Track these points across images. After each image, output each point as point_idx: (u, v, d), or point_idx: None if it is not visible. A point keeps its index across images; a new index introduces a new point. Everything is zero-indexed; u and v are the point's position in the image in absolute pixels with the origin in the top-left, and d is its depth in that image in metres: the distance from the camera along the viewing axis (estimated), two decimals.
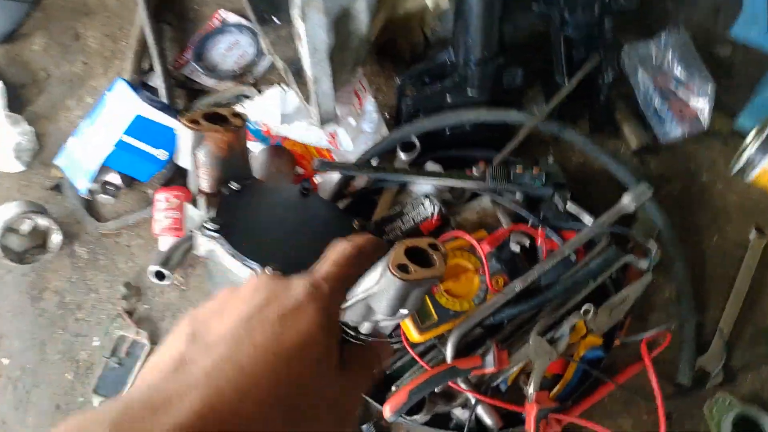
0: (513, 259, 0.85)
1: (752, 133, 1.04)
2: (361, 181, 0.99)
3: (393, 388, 0.84)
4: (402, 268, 0.56)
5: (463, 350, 0.83)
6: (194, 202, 0.70)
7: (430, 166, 0.98)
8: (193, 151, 0.65)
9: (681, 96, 1.06)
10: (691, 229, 1.01)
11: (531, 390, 0.77)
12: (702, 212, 1.02)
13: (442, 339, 0.84)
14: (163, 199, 1.09)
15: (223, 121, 0.65)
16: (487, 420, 0.80)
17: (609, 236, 0.88)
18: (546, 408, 0.76)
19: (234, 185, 0.66)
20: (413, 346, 0.83)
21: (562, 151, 1.10)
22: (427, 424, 0.81)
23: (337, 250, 0.41)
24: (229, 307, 0.34)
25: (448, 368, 0.77)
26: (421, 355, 0.85)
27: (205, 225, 0.62)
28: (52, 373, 1.04)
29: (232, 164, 0.66)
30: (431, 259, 0.61)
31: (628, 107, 1.11)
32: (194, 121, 0.64)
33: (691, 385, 0.85)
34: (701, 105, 1.04)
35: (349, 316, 0.65)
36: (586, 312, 0.80)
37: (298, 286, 0.35)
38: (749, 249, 0.97)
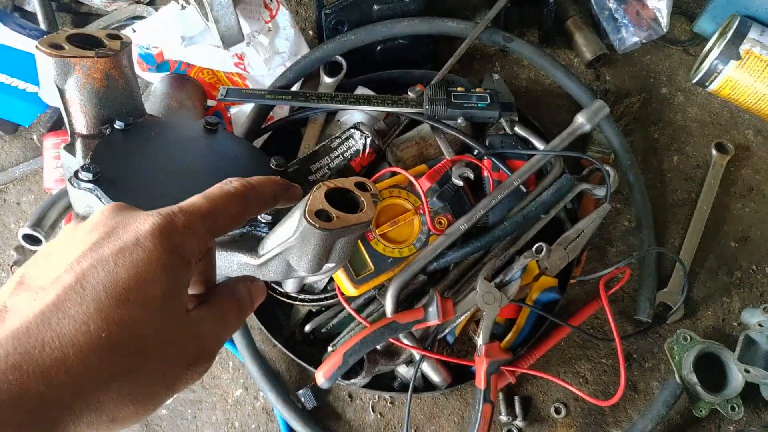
0: (456, 195, 0.75)
1: (713, 37, 0.94)
2: (281, 111, 0.85)
3: (329, 349, 0.75)
4: (321, 215, 0.46)
5: (404, 302, 0.73)
6: (70, 148, 0.57)
7: (361, 90, 0.85)
8: (58, 85, 0.53)
9: None
10: (649, 150, 0.92)
11: (480, 342, 0.69)
12: (661, 130, 0.94)
13: (382, 290, 0.74)
14: (51, 145, 0.92)
15: (98, 45, 0.54)
16: (434, 377, 0.72)
17: (562, 163, 0.79)
18: (497, 360, 0.69)
19: (118, 124, 0.56)
20: (349, 300, 0.73)
21: (508, 68, 0.98)
22: (368, 386, 0.72)
23: (218, 185, 0.37)
24: (65, 247, 0.31)
25: (387, 324, 0.68)
26: (360, 309, 0.75)
27: (77, 175, 0.51)
28: None
29: (113, 98, 0.56)
30: (358, 201, 0.49)
31: (581, 14, 0.99)
32: (56, 46, 0.52)
33: (652, 322, 0.79)
34: (659, 4, 0.93)
35: (267, 275, 0.54)
36: (539, 251, 0.71)
37: (144, 218, 0.31)
38: (710, 168, 0.89)
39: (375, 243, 0.72)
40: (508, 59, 0.99)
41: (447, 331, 0.74)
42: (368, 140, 0.77)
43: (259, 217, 0.53)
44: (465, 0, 1.01)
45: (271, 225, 0.54)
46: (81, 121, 0.56)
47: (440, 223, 0.74)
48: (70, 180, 0.52)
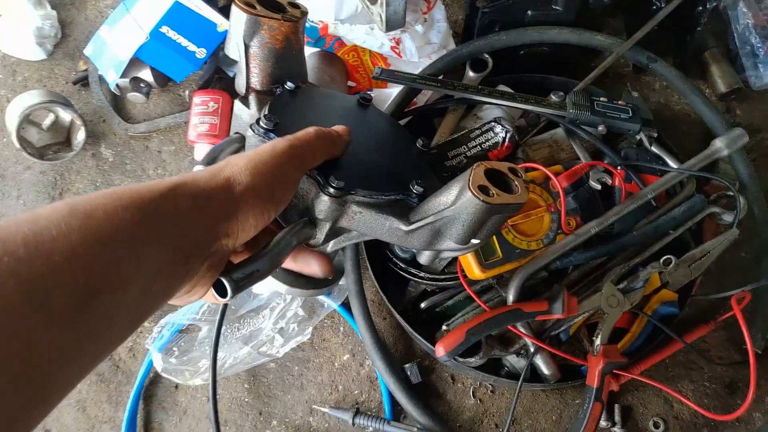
0: (590, 199, 0.77)
1: None
2: (424, 98, 0.89)
3: (443, 328, 0.78)
4: (483, 189, 0.48)
5: (523, 294, 0.76)
6: (244, 100, 0.63)
7: (503, 89, 0.88)
8: (245, 40, 0.57)
9: None
10: None
11: (598, 342, 0.71)
12: None
13: (500, 280, 0.77)
14: (200, 102, 1.00)
15: (281, 10, 0.57)
16: (546, 370, 0.74)
17: (695, 183, 0.80)
18: (613, 362, 0.70)
19: (289, 84, 0.59)
20: (470, 283, 0.76)
21: (638, 90, 1.00)
22: (479, 368, 0.75)
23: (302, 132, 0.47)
24: None
25: (512, 310, 0.71)
26: (476, 294, 0.78)
27: (258, 123, 0.55)
28: None
29: (287, 60, 0.59)
30: (512, 185, 0.52)
31: (719, 47, 0.99)
32: (249, 4, 0.55)
33: (761, 353, 0.79)
34: None
35: (412, 242, 0.57)
36: (667, 263, 0.73)
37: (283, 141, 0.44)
38: None
39: (506, 233, 0.75)
40: (639, 81, 1.01)
41: (562, 328, 0.76)
42: (509, 134, 0.80)
43: (411, 187, 0.56)
44: (605, 19, 1.03)
45: (422, 196, 0.56)
46: (257, 77, 0.60)
47: (569, 223, 0.76)
48: (251, 126, 0.56)
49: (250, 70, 0.60)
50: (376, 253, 0.83)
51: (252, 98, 0.61)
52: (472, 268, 0.74)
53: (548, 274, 0.77)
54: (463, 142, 0.82)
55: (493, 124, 0.82)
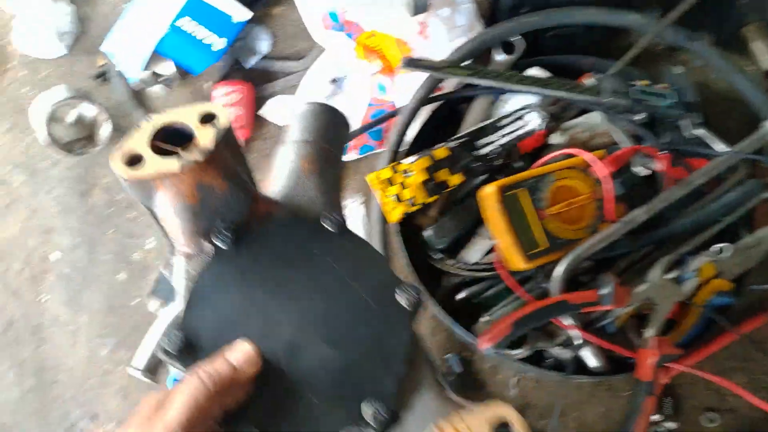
0: (635, 185, 0.74)
1: None
2: (452, 82, 0.86)
3: (483, 319, 0.76)
4: (133, 160, 0.38)
5: (567, 284, 0.73)
6: (168, 266, 0.51)
7: (535, 72, 0.85)
8: (143, 204, 0.43)
9: None
10: None
11: (650, 334, 0.68)
12: None
13: (540, 270, 0.74)
14: (221, 94, 0.98)
15: (184, 140, 0.40)
16: (592, 362, 0.72)
17: (748, 167, 0.76)
18: (666, 355, 0.67)
19: (224, 237, 0.42)
20: (512, 274, 0.73)
21: None
22: (524, 360, 0.73)
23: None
24: None
25: (558, 301, 0.68)
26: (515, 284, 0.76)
27: (163, 345, 0.39)
28: (104, 273, 0.98)
29: (211, 207, 0.43)
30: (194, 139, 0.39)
31: (762, 21, 0.95)
32: (134, 159, 0.39)
33: None
34: None
35: None
36: (720, 251, 0.69)
37: None
38: None
39: (548, 222, 0.72)
40: (674, 60, 0.97)
41: (609, 320, 0.73)
42: (545, 121, 0.77)
43: (365, 413, 0.38)
44: None
45: (385, 424, 0.38)
46: (179, 239, 0.44)
47: (615, 211, 0.73)
48: (159, 345, 0.41)
49: (167, 233, 0.45)
50: (412, 244, 0.81)
51: (178, 264, 0.44)
52: (516, 259, 0.71)
53: (593, 264, 0.74)
54: (493, 130, 0.79)
55: (525, 110, 0.79)
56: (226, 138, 0.41)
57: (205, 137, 0.40)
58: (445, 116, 0.87)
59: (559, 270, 0.71)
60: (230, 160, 0.43)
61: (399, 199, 0.77)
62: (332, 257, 0.45)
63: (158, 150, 0.40)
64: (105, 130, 1.00)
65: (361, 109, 0.91)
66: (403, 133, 0.82)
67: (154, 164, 0.39)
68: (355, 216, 0.87)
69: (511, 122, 0.78)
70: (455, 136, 0.79)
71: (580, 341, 0.71)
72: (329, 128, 0.53)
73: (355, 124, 0.91)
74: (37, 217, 1.04)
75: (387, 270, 0.45)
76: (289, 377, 0.39)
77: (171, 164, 0.39)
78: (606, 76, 0.79)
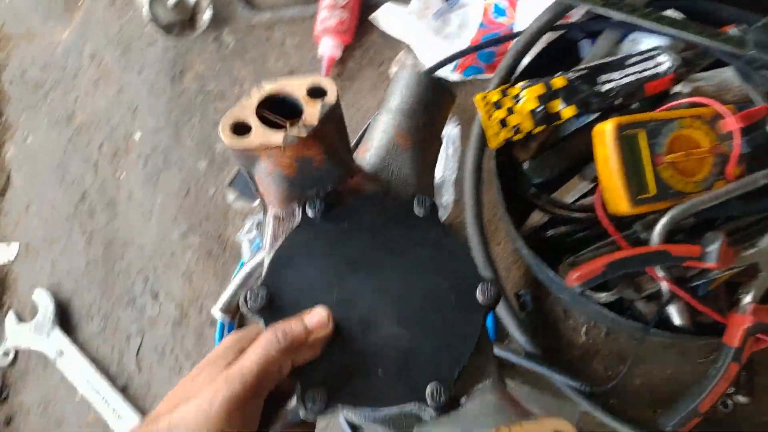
0: (762, 147, 0.70)
1: None
2: (576, 13, 0.82)
3: (569, 260, 0.74)
4: (240, 129, 0.37)
5: (666, 238, 0.70)
6: (261, 225, 0.52)
7: (672, 14, 0.80)
8: (245, 168, 0.44)
9: None
10: None
11: (748, 299, 0.66)
12: None
13: (640, 218, 0.72)
14: None
15: (294, 113, 0.40)
16: (678, 320, 0.70)
17: None
18: (761, 324, 0.65)
19: (315, 205, 0.44)
20: (611, 218, 0.71)
21: None
22: (607, 305, 0.71)
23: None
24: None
25: (658, 251, 0.66)
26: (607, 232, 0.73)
27: (248, 296, 0.42)
28: (185, 158, 0.98)
29: (307, 176, 0.44)
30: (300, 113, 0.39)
31: None
32: (241, 127, 0.40)
33: None
34: None
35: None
36: None
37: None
38: None
39: (663, 169, 0.69)
40: None
41: (703, 280, 0.70)
42: (675, 64, 0.73)
43: (428, 394, 0.40)
44: None
45: (443, 408, 0.40)
46: (273, 202, 0.46)
47: (734, 170, 0.70)
48: (244, 298, 0.43)
49: (262, 194, 0.46)
50: (505, 175, 0.78)
51: (269, 224, 0.47)
52: (620, 201, 0.68)
53: (694, 223, 0.71)
54: (617, 68, 0.75)
55: (657, 51, 0.74)
56: (332, 113, 0.41)
57: (312, 113, 0.40)
58: (561, 50, 0.83)
59: (665, 220, 0.68)
60: (333, 136, 0.43)
61: (504, 125, 0.75)
62: (418, 241, 0.45)
63: (264, 120, 0.40)
64: (206, 16, 0.99)
65: (472, 30, 0.88)
66: (519, 60, 0.78)
67: (260, 136, 0.39)
68: (449, 138, 0.85)
69: (640, 62, 0.74)
70: (575, 68, 0.75)
71: (669, 296, 0.68)
72: (433, 104, 0.52)
73: (463, 44, 0.88)
74: (126, 95, 1.05)
75: (471, 263, 0.45)
76: (359, 348, 0.41)
77: (276, 138, 0.39)
78: (754, 27, 0.74)
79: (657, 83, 0.74)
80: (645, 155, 0.68)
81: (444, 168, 0.84)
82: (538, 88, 0.74)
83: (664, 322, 0.71)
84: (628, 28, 0.79)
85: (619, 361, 0.76)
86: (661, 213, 0.69)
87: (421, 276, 0.44)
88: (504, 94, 0.75)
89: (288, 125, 0.39)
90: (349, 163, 0.47)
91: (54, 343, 0.96)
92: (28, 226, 1.05)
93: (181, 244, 0.95)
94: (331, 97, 0.41)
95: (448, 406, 0.39)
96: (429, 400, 0.39)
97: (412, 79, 0.52)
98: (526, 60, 0.81)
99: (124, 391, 0.91)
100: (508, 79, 0.78)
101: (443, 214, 0.82)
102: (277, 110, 0.40)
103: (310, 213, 0.45)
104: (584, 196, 0.77)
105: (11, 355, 0.99)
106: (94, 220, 1.00)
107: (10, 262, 1.04)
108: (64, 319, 0.98)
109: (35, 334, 0.96)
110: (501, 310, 0.76)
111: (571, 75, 0.74)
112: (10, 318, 0.98)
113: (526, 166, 0.77)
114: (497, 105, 0.75)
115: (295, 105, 0.40)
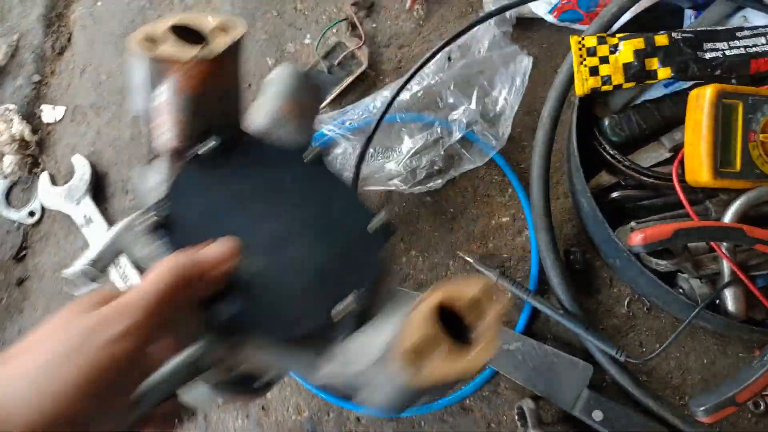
0: None
1: None
2: None
3: (632, 224, 0.71)
4: (414, 356, 0.34)
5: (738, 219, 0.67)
6: (149, 164, 0.49)
7: None
8: (151, 87, 0.44)
9: None
10: None
11: None
12: None
13: (713, 195, 0.69)
14: None
15: (200, 39, 0.43)
16: (732, 306, 0.67)
17: None
18: None
19: (212, 141, 0.45)
20: (686, 188, 0.68)
21: None
22: (658, 275, 0.68)
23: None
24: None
25: (734, 228, 0.63)
26: (678, 204, 0.70)
27: (145, 215, 0.41)
28: (254, 52, 0.96)
29: (209, 107, 0.45)
30: (471, 334, 0.36)
31: None
32: (150, 39, 0.42)
33: None
34: None
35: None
36: None
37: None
38: None
39: (753, 147, 0.65)
40: None
41: (764, 272, 0.67)
42: None
43: (334, 314, 0.41)
44: None
45: (350, 325, 0.42)
46: (169, 133, 0.45)
47: None
48: (132, 221, 0.43)
49: (159, 124, 0.46)
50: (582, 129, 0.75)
51: (161, 162, 0.46)
52: (701, 170, 0.65)
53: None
54: (725, 38, 0.71)
55: None
56: (236, 50, 0.45)
57: (220, 42, 0.43)
58: (664, 14, 0.79)
59: (742, 199, 0.65)
60: (235, 73, 0.47)
61: (594, 74, 0.71)
62: (309, 179, 0.49)
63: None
64: None
65: None
66: (623, 11, 0.75)
67: (174, 47, 0.42)
68: (518, 70, 0.81)
69: (751, 36, 0.70)
70: (680, 29, 0.71)
71: (729, 280, 0.66)
72: (309, 87, 0.59)
73: None
74: None
75: (360, 201, 0.49)
76: (272, 269, 0.42)
77: (188, 52, 0.42)
78: None
79: (765, 61, 0.70)
80: (738, 129, 0.65)
81: (505, 99, 0.81)
82: (638, 42, 0.71)
83: (715, 308, 0.69)
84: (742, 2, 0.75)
85: (656, 340, 0.73)
86: (737, 194, 0.66)
87: (320, 207, 0.47)
88: (601, 41, 0.72)
89: (199, 48, 0.42)
90: (241, 112, 0.50)
91: (83, 210, 0.95)
92: (80, 90, 1.03)
93: None
94: (238, 31, 0.44)
95: (364, 317, 0.41)
96: (351, 307, 0.41)
97: (286, 71, 0.59)
98: (627, 16, 0.77)
99: (141, 270, 0.89)
100: (607, 28, 0.75)
101: (496, 146, 0.79)
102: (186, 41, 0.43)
103: (211, 144, 0.45)
104: (658, 165, 0.74)
105: (37, 216, 0.99)
106: None
107: (55, 122, 1.03)
108: (98, 189, 0.97)
109: (66, 199, 0.95)
110: (548, 263, 0.73)
111: (676, 35, 0.71)
112: (44, 178, 0.98)
113: (608, 121, 0.73)
114: (591, 52, 0.72)
115: (204, 38, 0.43)
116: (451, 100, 0.82)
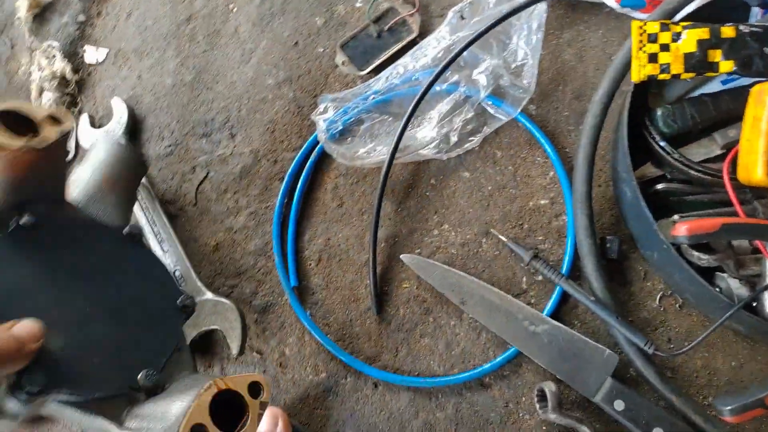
0: None
1: None
2: None
3: (676, 217, 0.70)
4: (197, 430, 0.41)
5: None
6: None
7: None
8: None
9: None
10: None
11: None
12: None
13: (761, 195, 0.67)
14: None
15: (32, 129, 0.46)
16: None
17: None
18: None
19: (25, 217, 0.47)
20: (738, 185, 0.66)
21: None
22: (697, 269, 0.67)
23: None
24: None
25: None
26: (721, 203, 0.69)
27: None
28: (303, 10, 0.95)
29: (30, 185, 0.48)
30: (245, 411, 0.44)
31: None
32: None
33: None
34: None
35: None
36: None
37: None
38: None
39: None
40: None
41: None
42: None
43: (140, 378, 0.46)
44: None
45: (152, 390, 0.46)
46: None
47: None
48: None
49: None
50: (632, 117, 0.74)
51: None
52: (755, 168, 0.63)
53: None
54: None
55: None
56: (64, 140, 0.49)
57: (51, 132, 0.46)
58: (730, 9, 0.77)
59: None
60: (62, 157, 0.52)
61: (653, 61, 0.70)
62: (124, 258, 0.54)
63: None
64: None
65: None
66: (690, 0, 0.73)
67: (2, 136, 0.44)
68: (535, 15, 0.79)
69: None
70: (749, 23, 0.69)
71: None
72: (129, 161, 0.66)
73: None
74: None
75: (171, 280, 0.56)
76: (73, 344, 0.44)
77: (17, 142, 0.44)
78: None
79: None
80: None
81: (525, 48, 0.79)
82: (702, 32, 0.69)
83: (750, 311, 0.67)
84: None
85: (685, 338, 0.72)
86: None
87: (129, 285, 0.52)
88: (664, 28, 0.70)
89: (28, 137, 0.45)
90: (62, 190, 0.53)
91: None
92: (124, 33, 1.03)
93: (273, 92, 0.92)
94: (67, 125, 0.48)
95: (157, 389, 0.46)
96: (141, 383, 0.46)
97: (110, 143, 0.65)
98: (692, 6, 0.75)
99: (172, 218, 0.89)
100: (671, 16, 0.73)
101: (525, 97, 0.78)
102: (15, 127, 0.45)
103: (25, 220, 0.47)
104: (707, 161, 0.72)
105: (71, 155, 0.99)
106: (193, 45, 0.98)
107: (97, 63, 1.03)
108: (135, 133, 0.97)
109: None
110: (584, 249, 0.72)
111: (744, 28, 0.69)
112: (84, 119, 0.98)
113: (660, 111, 0.72)
114: (652, 38, 0.70)
115: (33, 125, 0.46)
116: (471, 58, 0.81)
